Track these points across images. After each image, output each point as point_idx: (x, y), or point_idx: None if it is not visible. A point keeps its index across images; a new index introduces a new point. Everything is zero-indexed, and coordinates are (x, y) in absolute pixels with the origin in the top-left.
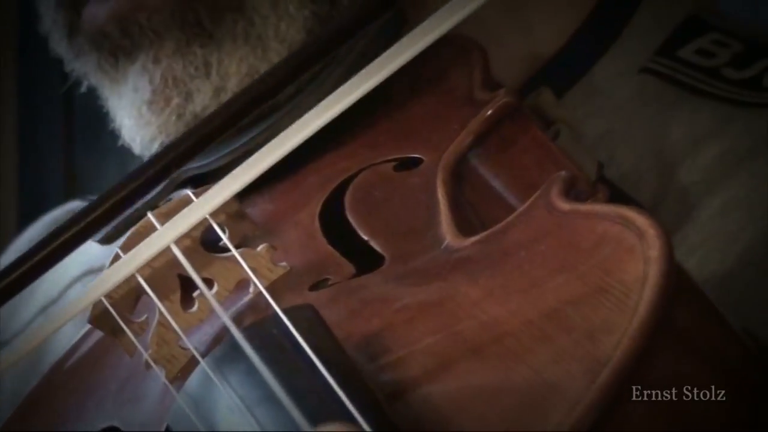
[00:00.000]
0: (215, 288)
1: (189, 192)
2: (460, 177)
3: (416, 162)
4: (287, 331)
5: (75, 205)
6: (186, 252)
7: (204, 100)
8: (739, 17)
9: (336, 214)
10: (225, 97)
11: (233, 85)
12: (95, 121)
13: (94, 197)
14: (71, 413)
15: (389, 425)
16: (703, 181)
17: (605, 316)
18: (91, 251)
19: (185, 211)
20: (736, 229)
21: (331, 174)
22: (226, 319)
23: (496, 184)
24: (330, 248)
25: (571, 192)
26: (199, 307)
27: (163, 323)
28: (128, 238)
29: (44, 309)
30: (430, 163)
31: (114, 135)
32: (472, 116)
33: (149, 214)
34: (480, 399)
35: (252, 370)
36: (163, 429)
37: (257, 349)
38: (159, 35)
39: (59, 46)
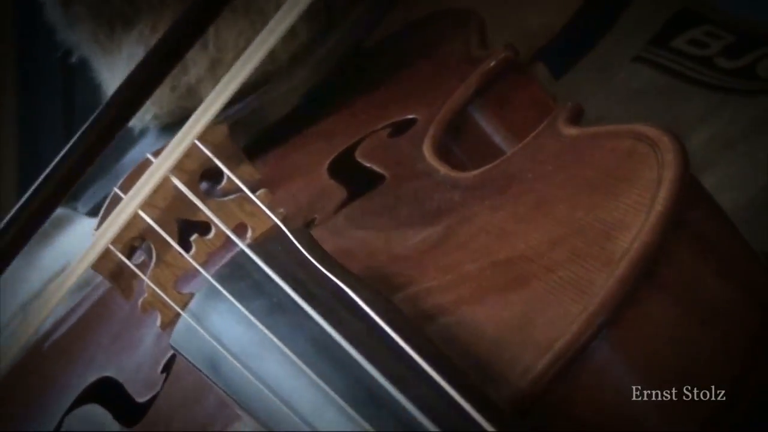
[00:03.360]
0: (213, 232)
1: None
2: (458, 129)
3: (411, 123)
4: (293, 246)
5: (59, 213)
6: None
7: (199, 72)
8: (732, 11)
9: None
10: (221, 70)
11: (230, 58)
12: None
13: (77, 203)
14: (58, 374)
15: (421, 335)
16: (695, 163)
17: (620, 216)
18: (69, 245)
19: (175, 140)
20: (731, 207)
21: (334, 140)
22: (230, 233)
23: (496, 137)
24: (328, 178)
25: (579, 122)
26: (196, 251)
27: (161, 265)
28: (127, 178)
29: (25, 306)
30: (423, 122)
31: None
32: (471, 72)
33: (148, 155)
34: (497, 300)
35: (263, 281)
36: (161, 365)
37: (266, 261)
38: (163, 2)
39: (53, 13)
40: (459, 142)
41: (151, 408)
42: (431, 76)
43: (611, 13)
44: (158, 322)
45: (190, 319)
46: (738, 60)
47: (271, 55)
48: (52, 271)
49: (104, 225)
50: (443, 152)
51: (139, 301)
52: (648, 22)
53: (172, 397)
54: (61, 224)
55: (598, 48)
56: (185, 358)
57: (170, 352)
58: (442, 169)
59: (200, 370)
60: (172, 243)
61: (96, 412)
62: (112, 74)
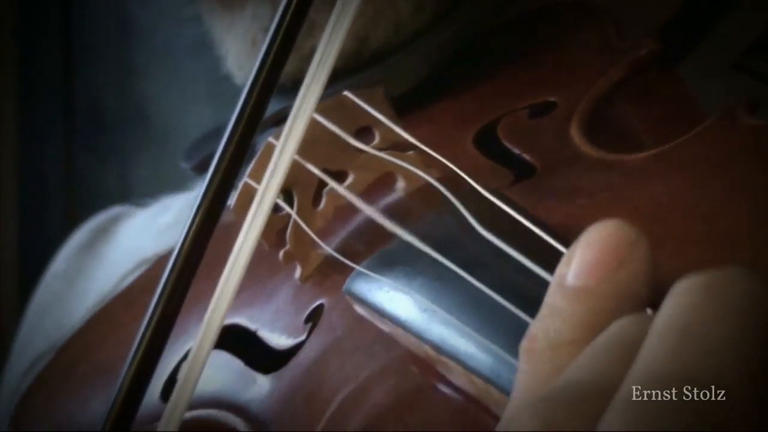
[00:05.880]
0: (349, 179)
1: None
2: (601, 118)
3: (551, 106)
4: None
5: (116, 211)
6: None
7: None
8: None
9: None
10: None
11: (357, 26)
12: (95, 121)
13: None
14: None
15: None
16: None
17: None
18: (141, 242)
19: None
20: None
21: (470, 117)
22: (429, 177)
23: (639, 129)
24: (488, 160)
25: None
26: (326, 203)
27: (297, 220)
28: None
29: (94, 306)
30: (564, 107)
31: (114, 135)
32: (611, 63)
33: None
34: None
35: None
36: (304, 315)
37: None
38: None
39: None
40: (601, 130)
41: (296, 356)
42: (567, 63)
43: (702, 27)
44: (297, 275)
45: (365, 270)
46: None
47: (396, 28)
48: (122, 268)
49: (264, 180)
50: (590, 138)
51: (281, 252)
52: (741, 37)
53: (327, 346)
54: (119, 220)
55: (690, 58)
56: (359, 299)
57: (314, 305)
58: (594, 153)
59: (374, 310)
60: (332, 183)
61: (222, 358)
62: (230, 30)
